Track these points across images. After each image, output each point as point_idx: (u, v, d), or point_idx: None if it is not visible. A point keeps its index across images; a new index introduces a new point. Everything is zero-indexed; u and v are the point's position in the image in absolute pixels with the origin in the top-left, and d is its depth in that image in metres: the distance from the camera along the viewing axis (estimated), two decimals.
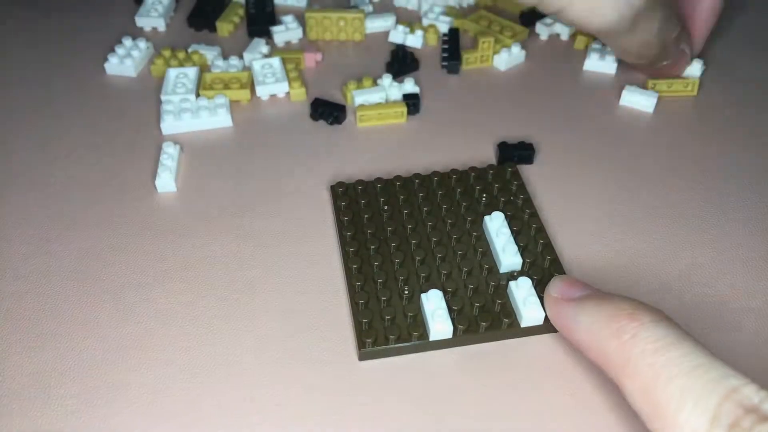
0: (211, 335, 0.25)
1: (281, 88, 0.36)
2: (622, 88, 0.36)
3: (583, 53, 0.39)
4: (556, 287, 0.24)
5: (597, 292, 0.23)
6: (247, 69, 0.38)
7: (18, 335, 0.25)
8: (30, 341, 0.25)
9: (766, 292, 0.27)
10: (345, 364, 0.24)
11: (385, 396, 0.24)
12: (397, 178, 0.30)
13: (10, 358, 0.25)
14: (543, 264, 0.27)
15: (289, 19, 0.40)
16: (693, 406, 0.18)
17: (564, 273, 0.27)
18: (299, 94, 0.36)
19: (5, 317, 0.26)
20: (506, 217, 0.28)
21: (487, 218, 0.28)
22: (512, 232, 0.28)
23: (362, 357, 0.25)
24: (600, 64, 0.38)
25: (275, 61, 0.37)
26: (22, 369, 0.24)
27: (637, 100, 0.35)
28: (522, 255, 0.27)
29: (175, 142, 0.33)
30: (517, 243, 0.27)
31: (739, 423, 0.17)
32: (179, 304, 0.26)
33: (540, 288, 0.25)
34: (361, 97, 0.35)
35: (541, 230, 0.28)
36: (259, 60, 0.37)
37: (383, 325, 0.25)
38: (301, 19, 0.41)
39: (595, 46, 0.38)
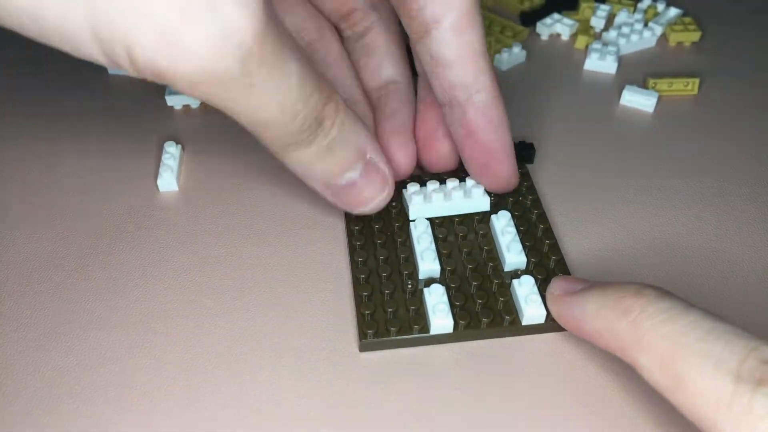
0: (214, 332, 0.25)
1: None
2: (622, 88, 0.36)
3: (584, 53, 0.39)
4: (556, 286, 0.24)
5: (598, 282, 0.23)
6: None
7: (18, 335, 0.25)
8: (31, 341, 0.25)
9: None
10: (346, 355, 0.25)
11: (385, 387, 0.24)
12: None
13: (11, 357, 0.25)
14: (548, 264, 0.27)
15: None
16: (714, 368, 0.17)
17: (568, 273, 0.27)
18: None
19: (6, 317, 0.26)
20: (514, 216, 0.28)
21: (494, 217, 0.28)
22: (519, 231, 0.28)
23: (363, 348, 0.25)
24: (600, 64, 0.38)
25: None
26: (23, 369, 0.24)
27: (638, 100, 0.35)
28: (528, 254, 0.27)
29: (177, 142, 0.33)
30: (523, 242, 0.27)
31: (767, 378, 0.16)
32: (181, 302, 0.27)
33: (544, 287, 0.25)
34: None
35: (548, 231, 0.28)
36: None
37: (385, 317, 0.25)
38: None
39: (596, 46, 0.38)
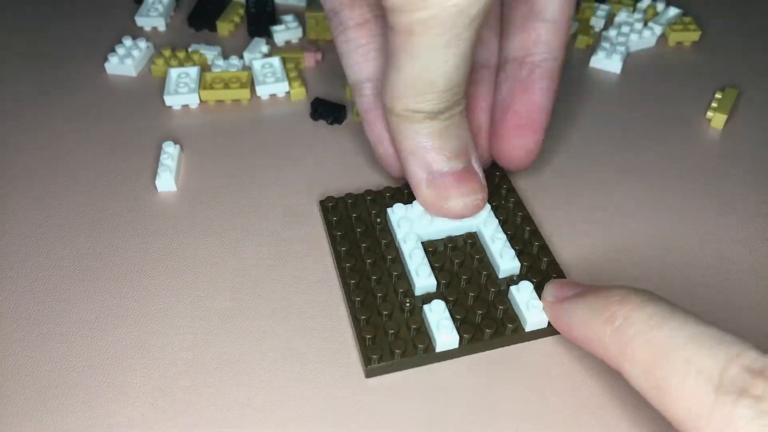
0: (213, 332, 0.25)
1: (281, 88, 0.36)
2: (623, 87, 0.36)
3: (584, 53, 0.39)
4: (549, 291, 0.24)
5: (589, 287, 0.23)
6: (247, 68, 0.38)
7: (18, 335, 0.25)
8: (30, 341, 0.25)
9: None
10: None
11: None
12: (387, 189, 0.29)
13: (10, 358, 0.25)
14: (541, 266, 0.27)
15: (289, 18, 0.41)
16: (695, 377, 0.17)
17: (562, 273, 0.27)
18: (299, 93, 0.36)
19: (5, 317, 0.26)
20: (499, 222, 0.28)
21: (480, 225, 0.28)
22: (507, 236, 0.27)
23: (369, 374, 0.24)
24: (606, 63, 0.38)
25: (275, 61, 0.37)
26: (23, 369, 0.24)
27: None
28: (519, 259, 0.26)
29: (176, 142, 0.33)
30: (512, 247, 0.27)
31: (749, 389, 0.16)
32: (180, 304, 0.27)
33: (540, 290, 0.25)
34: None
35: (536, 233, 0.28)
36: (259, 59, 0.37)
37: (388, 339, 0.24)
38: (301, 18, 0.41)
39: (605, 44, 0.38)
